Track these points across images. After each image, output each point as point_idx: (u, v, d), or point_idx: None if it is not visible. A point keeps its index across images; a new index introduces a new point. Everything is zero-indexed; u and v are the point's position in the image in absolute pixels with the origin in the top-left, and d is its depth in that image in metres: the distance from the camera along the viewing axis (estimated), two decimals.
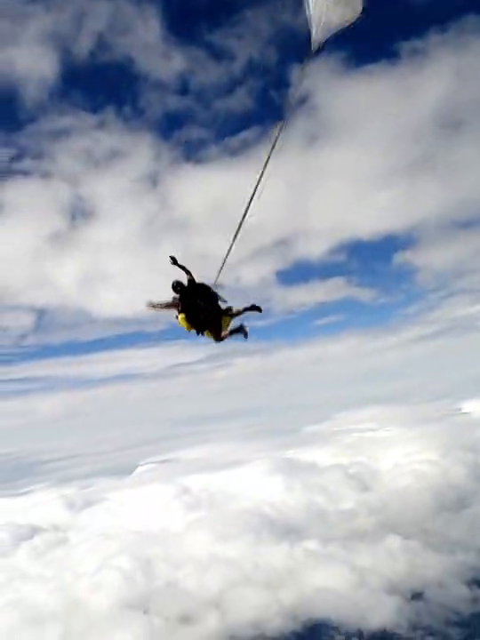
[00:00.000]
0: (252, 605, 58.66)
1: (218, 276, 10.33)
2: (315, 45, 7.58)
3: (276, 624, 56.41)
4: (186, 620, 58.99)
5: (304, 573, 64.08)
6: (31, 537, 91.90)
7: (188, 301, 10.49)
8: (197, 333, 10.79)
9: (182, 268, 10.25)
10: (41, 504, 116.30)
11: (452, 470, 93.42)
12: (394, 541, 67.61)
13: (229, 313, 10.99)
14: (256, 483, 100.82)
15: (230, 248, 9.46)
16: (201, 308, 10.56)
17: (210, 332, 10.81)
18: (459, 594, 57.69)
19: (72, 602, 64.28)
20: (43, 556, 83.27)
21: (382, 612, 55.44)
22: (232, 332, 11.04)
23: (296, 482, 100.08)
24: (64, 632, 58.08)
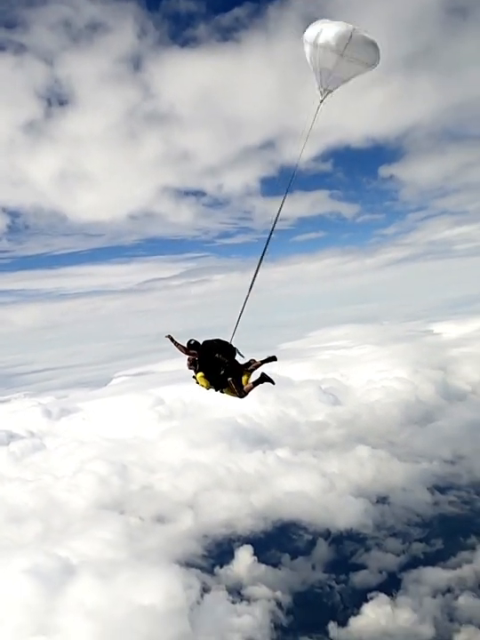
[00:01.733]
0: (225, 507, 61.46)
1: (233, 335, 10.51)
2: (323, 93, 7.98)
3: (247, 524, 59.30)
4: (161, 519, 61.49)
5: (275, 478, 66.94)
6: (8, 443, 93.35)
7: (205, 359, 10.45)
8: (216, 391, 10.69)
9: (181, 346, 10.73)
10: (18, 412, 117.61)
11: (421, 387, 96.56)
12: (362, 450, 70.65)
13: (249, 368, 10.76)
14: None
15: (239, 317, 10.41)
16: (221, 363, 10.41)
17: (231, 389, 10.59)
18: (421, 498, 61.23)
19: (50, 502, 66.29)
20: (20, 460, 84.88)
21: (349, 513, 58.69)
22: (256, 384, 10.80)
23: (269, 395, 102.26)
24: (43, 530, 60.07)
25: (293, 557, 54.43)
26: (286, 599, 48.22)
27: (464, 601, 45.52)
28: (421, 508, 59.37)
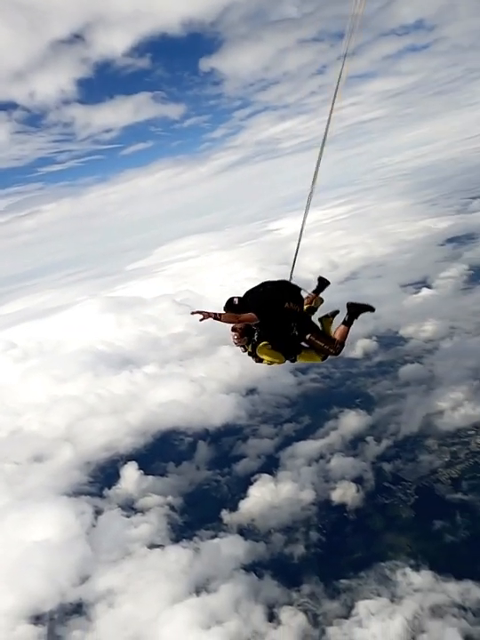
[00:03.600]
0: (102, 431, 61.11)
1: (293, 267, 8.10)
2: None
3: (128, 443, 59.74)
4: (38, 459, 59.81)
5: (147, 393, 67.58)
6: None
7: (267, 319, 7.31)
8: (290, 360, 7.75)
9: (226, 316, 7.19)
10: None
11: None
12: (225, 351, 72.83)
13: (329, 317, 8.17)
14: (84, 324, 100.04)
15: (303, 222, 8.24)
16: (290, 317, 7.46)
17: (314, 349, 7.74)
18: (286, 382, 65.38)
19: None
20: None
21: (223, 410, 61.43)
22: (350, 322, 8.02)
23: (125, 317, 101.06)
24: None
25: (178, 464, 56.12)
26: (178, 501, 50.08)
27: (335, 462, 50.12)
28: (287, 391, 63.61)
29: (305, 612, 35.79)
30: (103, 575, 41.16)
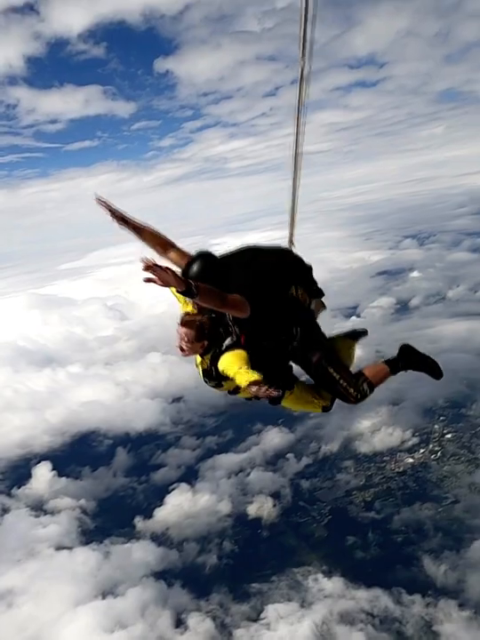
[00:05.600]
0: (17, 427, 58.76)
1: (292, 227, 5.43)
2: None
3: (44, 441, 57.64)
4: None
5: (68, 392, 65.69)
6: None
7: (257, 314, 4.45)
8: (276, 394, 4.29)
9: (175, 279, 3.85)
10: None
11: None
12: (154, 357, 72.16)
13: (351, 338, 5.46)
14: (8, 319, 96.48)
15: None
16: (300, 318, 4.88)
17: (312, 392, 5.10)
18: (213, 392, 64.45)
19: None
20: None
21: (146, 415, 60.46)
22: (395, 369, 5.14)
23: (52, 316, 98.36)
24: None
25: (94, 468, 54.57)
26: (91, 505, 48.60)
27: (254, 476, 50.21)
28: (214, 402, 63.26)
29: (213, 618, 35.38)
30: (4, 574, 39.20)
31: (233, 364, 4.54)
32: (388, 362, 5.20)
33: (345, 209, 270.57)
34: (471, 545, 37.88)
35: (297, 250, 5.37)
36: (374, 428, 53.76)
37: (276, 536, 43.22)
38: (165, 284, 3.73)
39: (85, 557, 40.85)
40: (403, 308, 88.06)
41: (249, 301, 4.30)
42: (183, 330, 4.67)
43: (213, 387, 5.13)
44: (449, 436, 50.89)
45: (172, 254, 4.97)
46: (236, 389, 4.99)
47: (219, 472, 51.58)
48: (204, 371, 5.06)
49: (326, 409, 5.20)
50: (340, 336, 5.44)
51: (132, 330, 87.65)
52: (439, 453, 49.14)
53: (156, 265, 3.64)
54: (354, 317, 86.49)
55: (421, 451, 49.99)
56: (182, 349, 4.77)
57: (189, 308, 4.96)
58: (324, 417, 57.14)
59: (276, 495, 47.16)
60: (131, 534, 44.77)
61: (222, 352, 4.70)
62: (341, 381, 4.84)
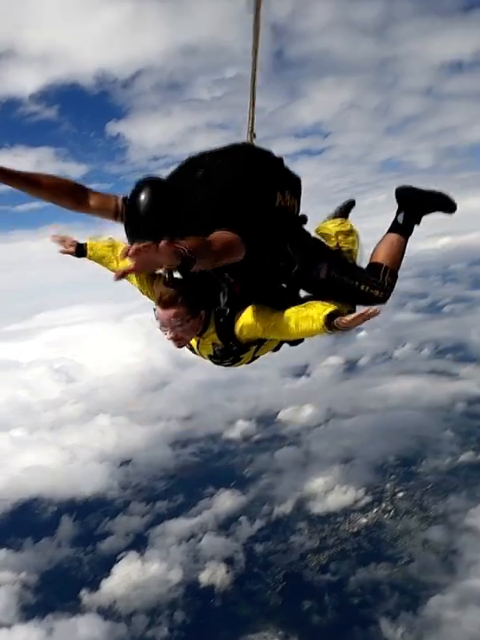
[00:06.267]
0: None
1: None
2: None
3: None
4: None
5: (10, 458, 62.73)
6: None
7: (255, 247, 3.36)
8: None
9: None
10: None
11: (154, 358, 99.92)
12: (102, 420, 70.49)
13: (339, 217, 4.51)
14: None
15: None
16: (292, 232, 3.80)
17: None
18: (163, 454, 63.65)
19: None
20: None
21: (94, 479, 58.11)
22: (407, 228, 4.18)
23: None
24: None
25: (37, 538, 51.76)
26: (33, 579, 45.96)
27: (206, 542, 48.76)
28: (164, 464, 61.91)
29: None
30: None
31: (268, 320, 3.46)
32: (394, 227, 4.12)
33: None
34: (427, 602, 37.57)
35: (259, 142, 4.01)
36: (327, 487, 53.38)
37: (230, 605, 41.83)
38: (150, 265, 2.50)
39: (26, 635, 38.48)
40: (351, 367, 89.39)
41: (234, 233, 3.18)
42: (169, 312, 3.41)
43: (230, 365, 3.88)
44: (401, 494, 50.97)
45: (92, 202, 3.56)
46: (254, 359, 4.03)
47: (169, 539, 49.96)
48: (217, 351, 3.74)
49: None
50: (330, 222, 4.39)
51: (80, 392, 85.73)
52: (392, 512, 49.09)
53: (140, 247, 2.28)
54: (303, 377, 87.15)
55: (374, 510, 49.79)
56: (179, 339, 3.54)
57: (136, 282, 3.99)
58: (276, 477, 56.68)
59: (228, 561, 45.87)
60: (76, 608, 42.39)
61: (227, 318, 3.59)
62: (361, 286, 3.87)
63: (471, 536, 42.90)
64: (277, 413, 73.15)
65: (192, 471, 61.21)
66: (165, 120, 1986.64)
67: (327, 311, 3.25)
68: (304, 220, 3.86)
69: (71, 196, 3.53)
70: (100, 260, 4.18)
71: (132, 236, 3.20)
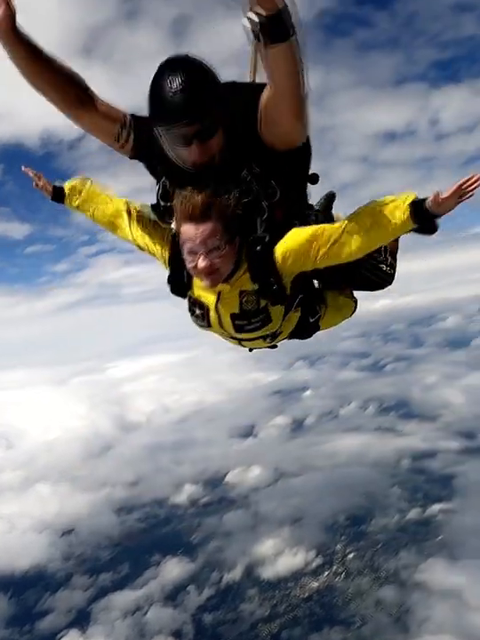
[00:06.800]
0: None
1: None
2: None
3: None
4: None
5: None
6: None
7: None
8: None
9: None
10: None
11: (99, 422, 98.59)
12: (43, 488, 67.74)
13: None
14: None
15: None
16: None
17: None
18: (108, 522, 61.17)
19: None
20: None
21: (33, 551, 55.16)
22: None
23: None
24: None
25: None
26: None
27: (152, 614, 46.69)
28: (108, 532, 59.47)
29: None
30: None
31: (321, 235, 2.79)
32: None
33: None
34: None
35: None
36: (277, 549, 52.40)
37: None
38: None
39: None
40: (298, 426, 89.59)
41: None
42: (205, 228, 2.66)
43: (256, 328, 3.05)
44: (351, 555, 50.51)
45: (99, 105, 2.90)
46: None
47: (113, 613, 47.52)
48: (245, 303, 2.96)
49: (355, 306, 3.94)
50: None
51: (19, 459, 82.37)
52: (343, 574, 48.44)
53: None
54: (251, 437, 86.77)
55: (325, 573, 49.09)
56: (215, 270, 2.76)
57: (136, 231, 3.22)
58: (225, 541, 55.33)
59: (176, 634, 43.94)
60: None
61: (266, 246, 2.85)
62: (374, 258, 3.47)
63: (422, 593, 42.73)
64: (225, 475, 72.11)
65: (138, 539, 59.05)
66: (111, 182, 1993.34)
67: (409, 198, 2.60)
68: (316, 178, 3.27)
69: (79, 89, 2.84)
70: (86, 203, 3.33)
71: (178, 110, 2.53)
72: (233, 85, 2.93)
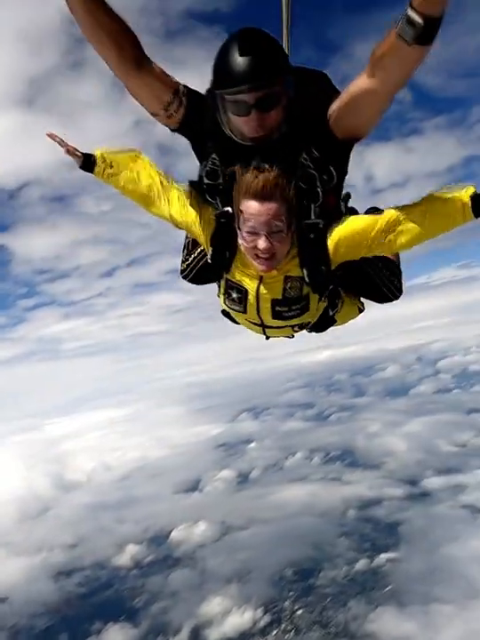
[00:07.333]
0: None
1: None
2: None
3: None
4: None
5: None
6: None
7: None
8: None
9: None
10: None
11: (36, 482, 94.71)
12: None
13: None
14: None
15: None
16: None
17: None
18: (45, 588, 57.54)
19: None
20: None
21: None
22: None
23: None
24: None
25: None
26: None
27: None
28: (45, 598, 55.81)
29: None
30: None
31: (376, 224, 2.79)
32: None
33: (182, 387, 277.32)
34: None
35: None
36: (224, 609, 50.53)
37: None
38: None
39: None
40: (244, 479, 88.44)
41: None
42: (270, 207, 2.61)
43: (296, 315, 3.04)
44: (300, 611, 49.25)
45: (155, 67, 2.82)
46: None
47: None
48: (289, 289, 2.94)
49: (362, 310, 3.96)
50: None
51: None
52: (292, 631, 47.09)
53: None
54: (196, 492, 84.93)
55: (274, 631, 47.54)
56: (273, 255, 2.73)
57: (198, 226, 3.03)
58: (170, 601, 53.15)
59: None
60: None
61: (319, 232, 2.82)
62: (396, 271, 3.55)
63: None
64: (170, 533, 69.80)
65: (77, 605, 55.68)
66: (51, 233, 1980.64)
67: (469, 191, 2.63)
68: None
69: (138, 49, 2.73)
70: (116, 176, 3.08)
71: (249, 73, 2.54)
72: (300, 68, 2.98)
